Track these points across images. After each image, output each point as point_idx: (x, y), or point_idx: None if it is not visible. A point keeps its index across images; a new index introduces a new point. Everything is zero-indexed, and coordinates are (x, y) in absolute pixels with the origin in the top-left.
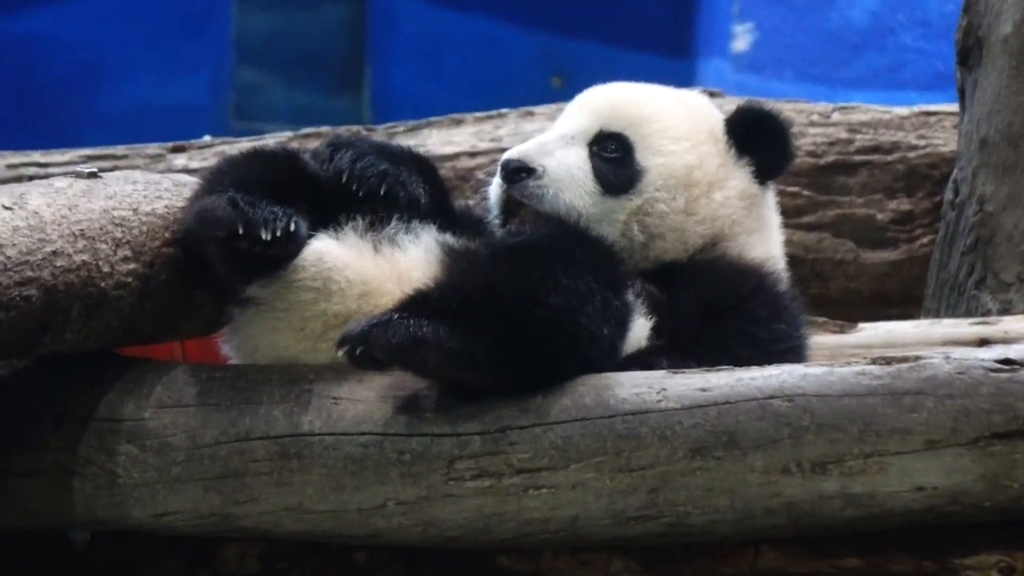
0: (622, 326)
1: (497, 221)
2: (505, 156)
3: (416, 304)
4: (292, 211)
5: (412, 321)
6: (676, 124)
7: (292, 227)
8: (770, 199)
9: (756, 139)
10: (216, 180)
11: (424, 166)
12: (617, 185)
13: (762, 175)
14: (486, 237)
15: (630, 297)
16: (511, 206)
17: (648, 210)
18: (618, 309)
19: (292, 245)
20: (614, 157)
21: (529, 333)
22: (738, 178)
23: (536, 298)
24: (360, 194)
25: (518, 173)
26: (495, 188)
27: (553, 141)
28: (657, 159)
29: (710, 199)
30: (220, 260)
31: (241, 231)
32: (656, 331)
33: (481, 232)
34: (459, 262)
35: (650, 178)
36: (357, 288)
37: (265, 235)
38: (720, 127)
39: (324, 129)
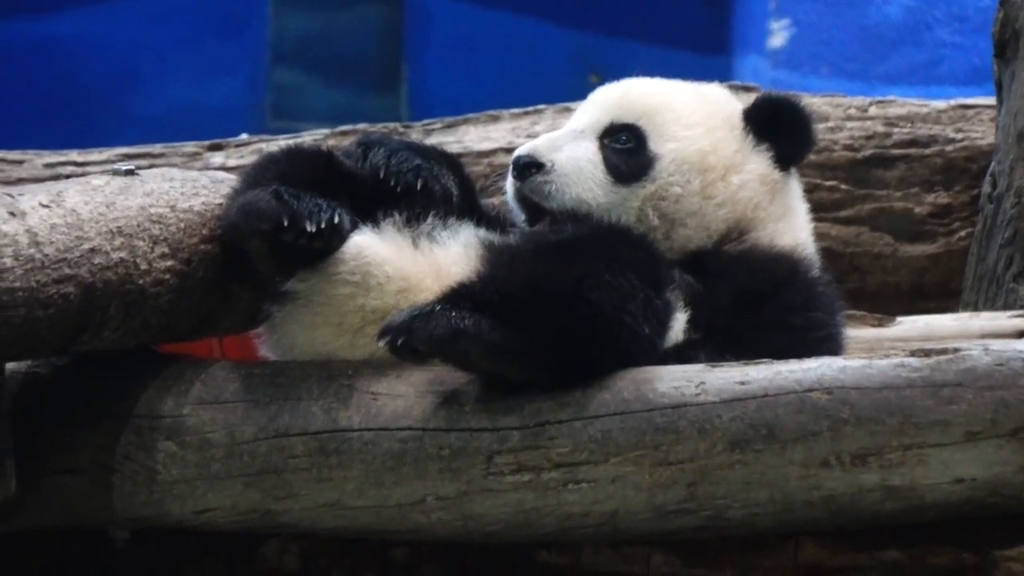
0: (663, 325)
1: (520, 217)
2: (516, 152)
3: (458, 296)
4: (336, 204)
5: (454, 313)
6: (689, 112)
7: (336, 219)
8: (795, 186)
9: (775, 126)
10: (258, 175)
11: (452, 162)
12: (629, 174)
13: (783, 161)
14: (513, 234)
15: (672, 295)
16: (527, 203)
17: (663, 195)
18: (659, 308)
19: (336, 238)
20: (626, 147)
21: (570, 328)
22: (756, 163)
23: (579, 294)
24: (397, 190)
25: (528, 169)
26: (509, 186)
27: (563, 136)
28: (670, 145)
29: (727, 182)
30: (263, 253)
31: (286, 223)
32: (692, 322)
33: (507, 230)
34: (500, 257)
35: (663, 164)
36: (396, 283)
37: (310, 227)
38: (737, 115)
39: (361, 127)
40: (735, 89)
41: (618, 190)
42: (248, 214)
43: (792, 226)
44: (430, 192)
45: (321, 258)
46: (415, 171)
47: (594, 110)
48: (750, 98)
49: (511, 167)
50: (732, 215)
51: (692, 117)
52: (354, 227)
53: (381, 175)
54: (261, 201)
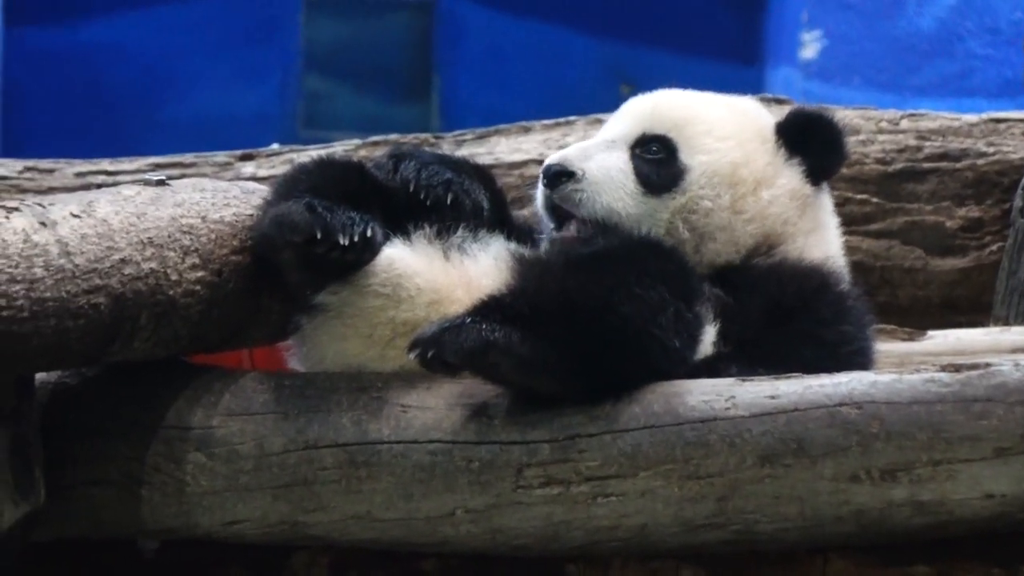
0: (693, 338)
1: (550, 226)
2: (547, 161)
3: (488, 309)
4: (369, 217)
5: (484, 325)
6: (721, 124)
7: (369, 233)
8: (826, 201)
9: (807, 140)
10: (290, 186)
11: (484, 175)
12: (660, 184)
13: (814, 175)
14: (544, 245)
15: (702, 308)
16: (558, 211)
17: (693, 207)
18: (690, 321)
19: (368, 251)
20: (657, 158)
21: (601, 341)
22: (787, 177)
23: (609, 307)
24: (428, 203)
25: (559, 177)
26: (540, 195)
27: (594, 145)
28: (701, 157)
29: (757, 197)
30: (295, 265)
31: (319, 236)
32: (722, 336)
33: (538, 242)
34: (531, 269)
35: (694, 176)
36: (427, 295)
37: (343, 240)
38: (769, 128)
39: (392, 137)
40: (766, 101)
41: (648, 200)
42: (281, 225)
43: (822, 240)
44: (460, 206)
45: (353, 271)
46: (445, 185)
47: (625, 120)
48: (782, 110)
49: (541, 175)
50: (761, 230)
51: (724, 130)
52: (385, 239)
53: (411, 188)
54: (294, 213)
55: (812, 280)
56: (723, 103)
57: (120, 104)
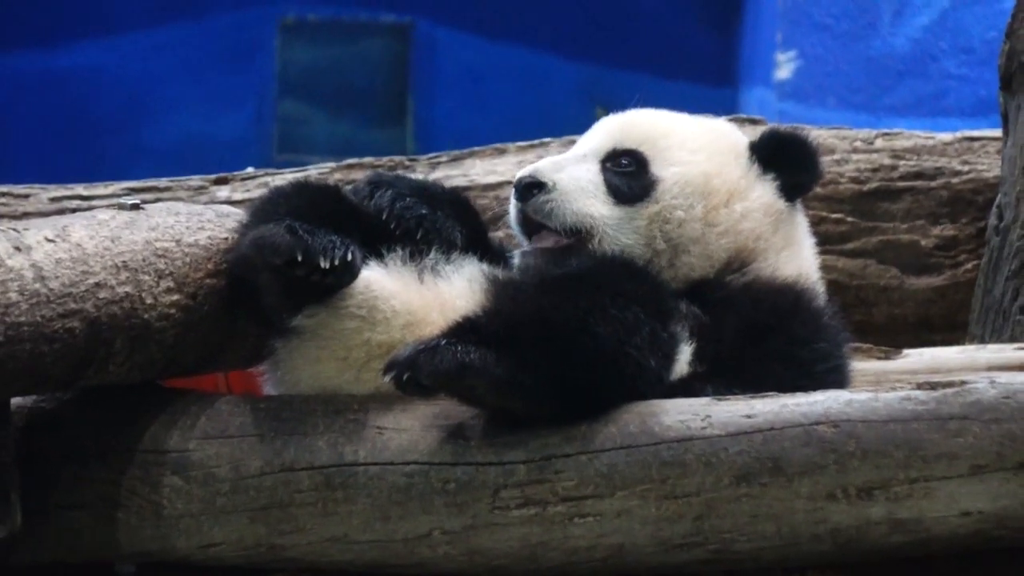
0: (668, 357)
1: (524, 241)
2: (518, 175)
3: (463, 330)
4: (349, 241)
5: (459, 347)
6: (692, 138)
7: (349, 257)
8: (800, 219)
9: (780, 157)
10: (269, 209)
11: (460, 206)
12: (631, 195)
13: (788, 192)
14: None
15: (677, 327)
16: (530, 225)
17: (667, 217)
18: (665, 341)
19: (348, 275)
20: (628, 171)
21: (576, 362)
22: (761, 192)
23: (584, 327)
24: (397, 233)
25: (529, 189)
26: (512, 209)
27: (565, 159)
28: (673, 168)
29: (731, 209)
30: (273, 288)
31: (300, 258)
32: (698, 355)
33: (511, 264)
34: (505, 290)
35: (665, 186)
36: (402, 317)
37: (324, 263)
38: (743, 145)
39: (367, 160)
40: (741, 122)
41: (622, 208)
42: (262, 247)
43: (795, 256)
44: (430, 243)
45: (331, 294)
46: (418, 219)
47: (597, 136)
48: (756, 130)
49: (513, 190)
50: (735, 244)
51: (696, 142)
52: (364, 261)
53: (384, 217)
54: (276, 235)
55: (785, 298)
56: (694, 121)
57: (97, 129)
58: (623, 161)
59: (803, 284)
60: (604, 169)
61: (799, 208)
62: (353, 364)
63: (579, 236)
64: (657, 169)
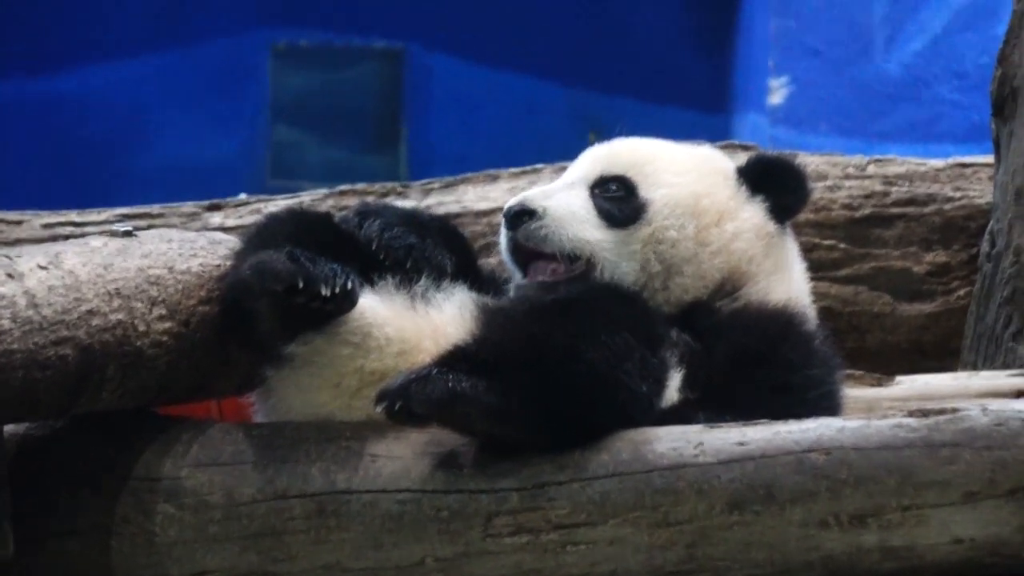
0: (659, 383)
1: (517, 273)
2: (507, 204)
3: (454, 359)
4: (348, 269)
5: (451, 376)
6: (678, 161)
7: (349, 285)
8: (790, 243)
9: (768, 179)
10: (266, 236)
11: (450, 234)
12: (622, 219)
13: (778, 214)
14: (510, 294)
15: (667, 353)
16: (521, 253)
17: (660, 237)
18: (656, 366)
19: (348, 302)
20: (617, 196)
21: (567, 389)
22: (751, 212)
23: (575, 354)
24: (386, 263)
25: (520, 217)
26: (503, 239)
27: (553, 187)
28: (661, 191)
29: (722, 229)
30: (271, 314)
31: (301, 285)
32: (689, 382)
33: (505, 292)
34: (495, 318)
35: (656, 207)
36: (396, 345)
37: (324, 291)
38: (730, 169)
39: (360, 186)
40: (734, 148)
41: (615, 231)
42: (263, 273)
43: (786, 280)
44: (419, 272)
45: (328, 321)
46: (407, 249)
47: (584, 164)
48: (748, 156)
49: (503, 218)
50: (727, 264)
51: (682, 165)
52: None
53: (373, 247)
54: (276, 262)
55: (776, 323)
56: (679, 147)
57: (90, 155)
58: (611, 187)
59: (793, 308)
60: (593, 195)
61: (789, 232)
62: (345, 391)
63: (577, 263)
64: (645, 192)
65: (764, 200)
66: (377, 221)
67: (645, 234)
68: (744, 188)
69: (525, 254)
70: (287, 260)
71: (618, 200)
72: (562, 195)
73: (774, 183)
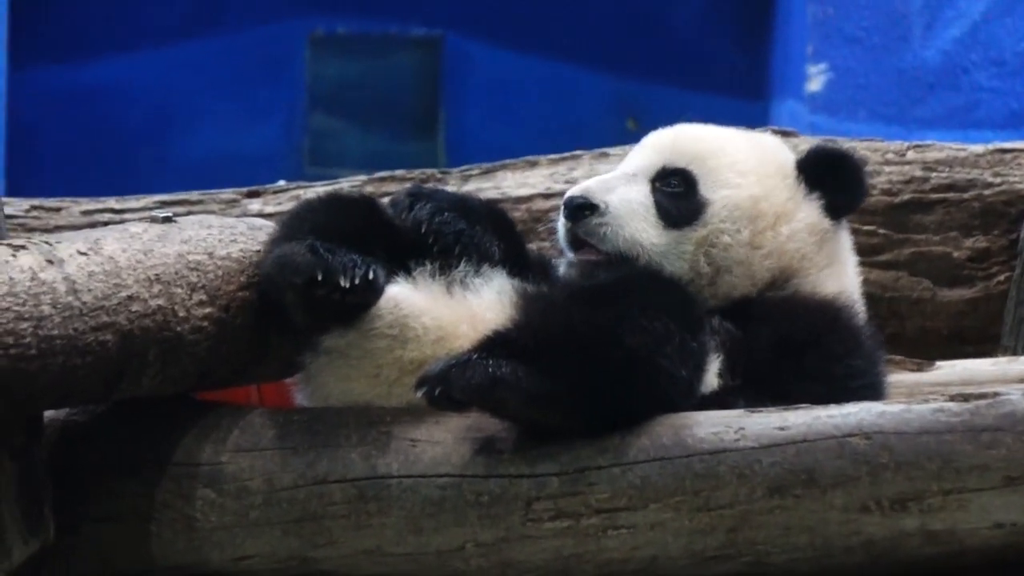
0: (699, 367)
1: (567, 251)
2: (568, 193)
3: (494, 344)
4: (371, 259)
5: (491, 361)
6: (742, 158)
7: (371, 275)
8: (844, 236)
9: (827, 175)
10: (294, 226)
11: (499, 221)
12: (679, 218)
13: (833, 211)
14: (563, 271)
15: (706, 338)
16: (578, 244)
17: (713, 241)
18: (695, 351)
19: (370, 293)
20: (677, 192)
21: (608, 374)
22: (807, 212)
23: (615, 339)
24: (434, 249)
25: (581, 210)
26: (561, 227)
27: (615, 178)
28: (722, 191)
29: (776, 232)
30: (297, 307)
31: (320, 278)
32: (730, 368)
33: (554, 277)
34: (535, 303)
35: (714, 209)
36: (433, 333)
37: (344, 283)
38: (790, 164)
39: (398, 172)
40: (774, 134)
41: (670, 233)
42: (283, 267)
43: (837, 274)
44: (468, 257)
45: (356, 313)
46: (456, 235)
47: (646, 153)
48: (789, 143)
49: (562, 208)
50: (778, 264)
51: (745, 164)
52: (388, 279)
53: (422, 231)
54: (296, 254)
55: (824, 314)
56: (743, 138)
57: (127, 143)
58: (673, 181)
59: (843, 301)
60: (654, 189)
61: (844, 226)
62: (384, 381)
63: (624, 258)
64: (706, 191)
65: (821, 197)
66: (428, 205)
67: (699, 236)
68: (802, 185)
69: (580, 243)
70: (307, 252)
71: (677, 196)
72: (623, 189)
73: (833, 179)
